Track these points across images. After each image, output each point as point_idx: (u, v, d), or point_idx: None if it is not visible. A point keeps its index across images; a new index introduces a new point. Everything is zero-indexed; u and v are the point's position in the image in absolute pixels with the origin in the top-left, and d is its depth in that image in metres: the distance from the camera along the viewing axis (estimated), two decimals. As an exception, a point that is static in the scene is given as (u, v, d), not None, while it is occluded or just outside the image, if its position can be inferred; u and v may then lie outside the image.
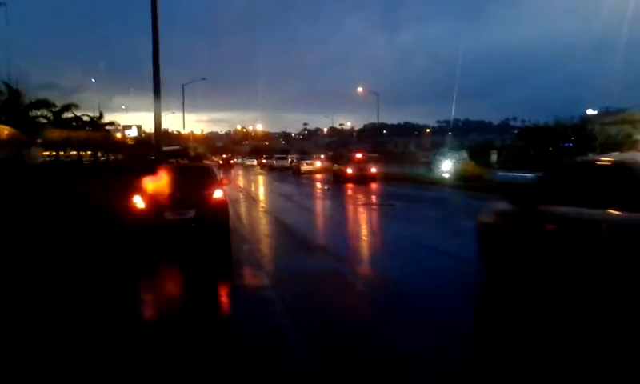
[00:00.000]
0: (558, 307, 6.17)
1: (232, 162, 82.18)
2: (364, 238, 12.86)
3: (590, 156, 9.61)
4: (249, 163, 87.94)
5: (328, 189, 29.83)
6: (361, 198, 23.37)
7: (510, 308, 6.54)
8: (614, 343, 5.04)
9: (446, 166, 34.44)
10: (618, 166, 6.11)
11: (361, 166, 34.62)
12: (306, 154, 66.42)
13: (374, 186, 30.43)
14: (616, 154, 7.54)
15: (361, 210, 19.24)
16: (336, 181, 35.17)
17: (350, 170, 33.98)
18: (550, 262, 6.39)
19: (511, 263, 7.07)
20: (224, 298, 7.97)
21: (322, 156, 59.82)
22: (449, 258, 9.66)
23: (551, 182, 7.07)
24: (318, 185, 33.70)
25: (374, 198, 23.54)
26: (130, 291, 7.87)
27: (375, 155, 49.27)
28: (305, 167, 48.02)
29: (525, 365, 4.73)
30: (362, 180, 32.56)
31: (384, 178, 34.82)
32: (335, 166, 40.26)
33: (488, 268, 7.60)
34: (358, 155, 38.27)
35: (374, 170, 34.70)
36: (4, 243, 9.77)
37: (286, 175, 45.85)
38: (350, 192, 26.65)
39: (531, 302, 6.56)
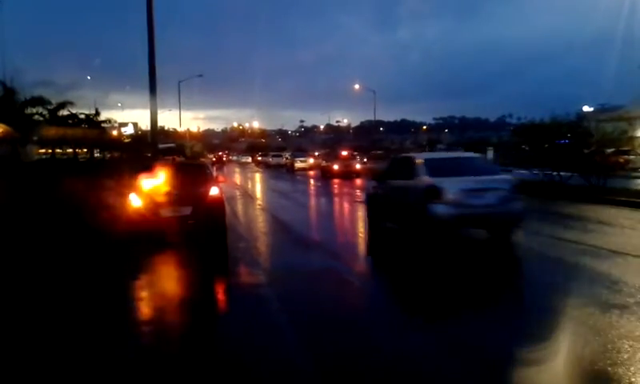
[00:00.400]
0: (393, 223, 11.85)
1: (225, 159, 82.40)
2: (340, 225, 13.02)
3: (405, 154, 14.61)
4: (244, 160, 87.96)
5: (318, 184, 31.49)
6: (344, 191, 25.63)
7: (378, 229, 12.34)
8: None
9: None
10: (407, 158, 12.02)
11: (346, 162, 37.29)
12: (302, 151, 66.41)
13: (358, 181, 31.76)
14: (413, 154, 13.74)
15: (344, 202, 20.25)
16: (323, 176, 37.40)
17: (336, 167, 36.61)
18: (388, 204, 11.98)
19: (376, 208, 12.82)
20: (220, 294, 7.97)
21: (317, 153, 59.91)
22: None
23: (389, 168, 12.83)
24: (311, 181, 34.92)
25: (356, 192, 24.55)
26: (125, 289, 7.85)
27: (380, 152, 50.58)
28: (298, 164, 49.66)
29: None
30: (347, 175, 34.76)
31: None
32: (323, 163, 42.61)
33: (369, 214, 13.39)
34: (344, 153, 41.11)
35: (358, 166, 37.35)
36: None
37: (280, 172, 46.69)
38: (335, 187, 28.50)
39: (385, 224, 12.24)
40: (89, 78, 64.88)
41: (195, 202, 10.60)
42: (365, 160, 44.89)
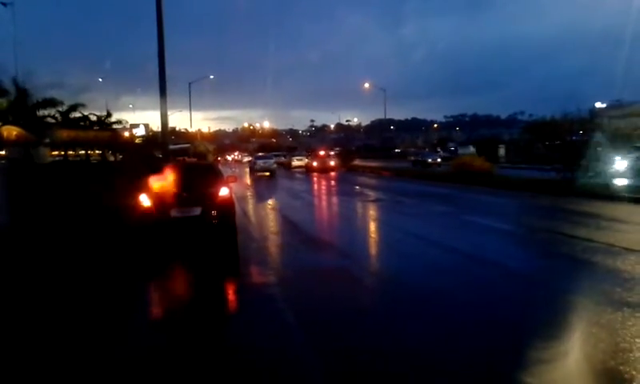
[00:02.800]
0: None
1: (234, 158, 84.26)
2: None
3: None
4: (246, 160, 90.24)
5: (303, 177, 39.36)
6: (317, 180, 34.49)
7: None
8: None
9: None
10: None
11: (323, 160, 45.96)
12: (309, 151, 69.49)
13: (332, 173, 41.40)
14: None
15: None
16: (307, 171, 46.35)
17: (315, 164, 45.89)
18: None
19: None
20: (230, 294, 7.98)
21: (304, 152, 66.03)
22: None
23: None
24: (297, 175, 42.98)
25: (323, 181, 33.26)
26: (137, 289, 7.91)
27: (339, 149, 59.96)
28: (295, 162, 55.17)
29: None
30: (323, 170, 43.73)
31: (350, 169, 47.73)
32: (306, 161, 51.49)
33: None
34: (321, 152, 49.07)
35: (332, 163, 46.35)
36: (13, 243, 9.86)
37: (279, 169, 50.07)
38: (315, 178, 37.08)
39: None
40: (100, 80, 65.21)
41: (205, 203, 10.62)
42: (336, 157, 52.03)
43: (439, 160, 48.26)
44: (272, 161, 46.98)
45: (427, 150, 72.20)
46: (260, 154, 60.86)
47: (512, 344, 5.13)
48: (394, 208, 17.75)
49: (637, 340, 4.98)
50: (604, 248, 9.34)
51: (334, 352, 5.08)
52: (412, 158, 56.20)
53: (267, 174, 42.83)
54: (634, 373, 4.29)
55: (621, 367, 4.42)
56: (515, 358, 4.64)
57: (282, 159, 63.55)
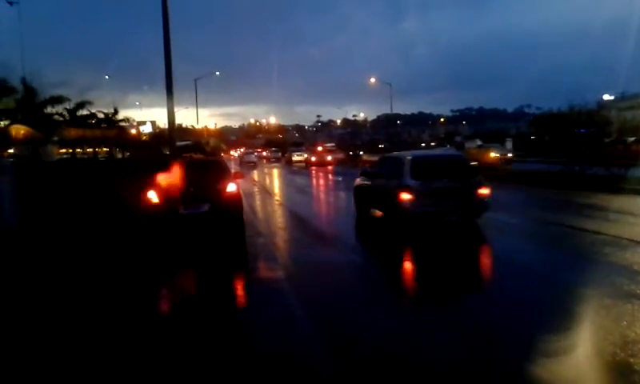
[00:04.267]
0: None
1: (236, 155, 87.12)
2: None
3: (395, 153, 14.93)
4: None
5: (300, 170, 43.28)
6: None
7: (363, 218, 13.86)
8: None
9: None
10: (395, 157, 13.11)
11: (321, 155, 49.00)
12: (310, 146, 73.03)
13: (329, 168, 43.76)
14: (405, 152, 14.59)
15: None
16: (306, 166, 48.61)
17: (313, 159, 49.03)
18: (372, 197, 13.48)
19: (361, 200, 14.19)
20: (239, 288, 8.02)
21: (303, 148, 70.02)
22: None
23: (377, 167, 13.99)
24: (294, 168, 47.94)
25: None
26: (147, 285, 7.95)
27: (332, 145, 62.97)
28: (295, 157, 58.76)
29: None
30: (321, 164, 46.40)
31: (356, 164, 46.31)
32: (306, 156, 54.23)
33: (356, 204, 14.51)
34: (319, 148, 52.10)
35: (329, 157, 48.52)
36: (21, 243, 9.93)
37: (280, 163, 55.81)
38: (313, 172, 39.74)
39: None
40: (107, 77, 65.13)
41: (213, 199, 10.67)
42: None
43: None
44: (253, 156, 64.54)
45: (434, 144, 72.14)
46: (249, 150, 78.56)
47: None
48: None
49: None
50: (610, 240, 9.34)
51: (337, 340, 5.15)
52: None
53: (252, 163, 54.93)
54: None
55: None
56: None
57: (279, 155, 73.78)
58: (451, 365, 4.64)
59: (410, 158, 11.78)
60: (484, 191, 11.31)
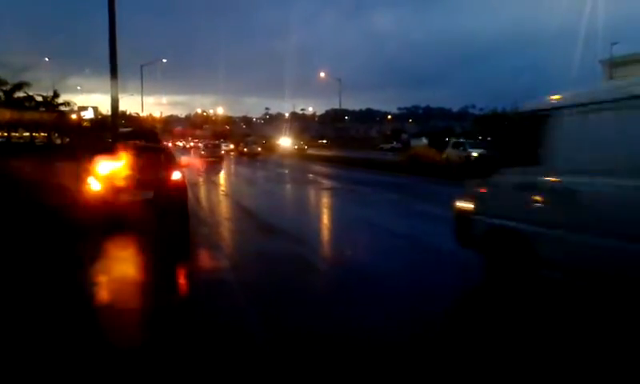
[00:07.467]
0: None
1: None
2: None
3: None
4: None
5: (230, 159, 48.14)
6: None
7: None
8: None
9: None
10: None
11: (252, 146, 58.12)
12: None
13: (259, 158, 50.87)
14: None
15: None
16: (240, 156, 55.70)
17: (245, 149, 57.51)
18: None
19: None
20: (181, 276, 7.89)
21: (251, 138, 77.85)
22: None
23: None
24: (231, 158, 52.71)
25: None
26: (83, 273, 7.68)
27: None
28: (224, 148, 64.51)
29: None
30: (252, 155, 53.32)
31: (303, 157, 51.91)
32: (239, 147, 63.83)
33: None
34: (250, 138, 70.35)
35: (259, 149, 58.07)
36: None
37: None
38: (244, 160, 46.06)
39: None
40: (47, 59, 62.50)
41: (157, 186, 10.44)
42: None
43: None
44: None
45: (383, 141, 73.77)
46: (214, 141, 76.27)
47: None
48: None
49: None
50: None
51: (278, 321, 5.16)
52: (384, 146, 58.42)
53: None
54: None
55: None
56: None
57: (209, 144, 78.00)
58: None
59: None
60: None
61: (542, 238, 5.76)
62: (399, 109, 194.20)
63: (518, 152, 6.48)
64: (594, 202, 5.30)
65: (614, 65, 42.08)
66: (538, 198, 5.83)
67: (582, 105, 5.55)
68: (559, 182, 5.62)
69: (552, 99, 5.98)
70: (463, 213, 7.08)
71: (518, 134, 6.92)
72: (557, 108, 5.82)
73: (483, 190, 6.77)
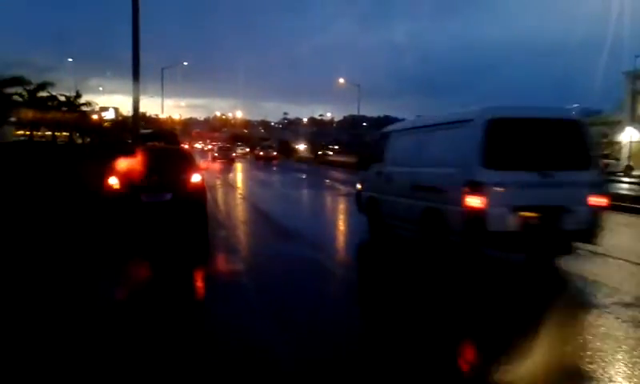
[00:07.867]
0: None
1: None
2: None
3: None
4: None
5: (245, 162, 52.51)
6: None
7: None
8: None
9: None
10: None
11: (268, 150, 63.39)
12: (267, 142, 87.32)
13: (274, 162, 56.31)
14: None
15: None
16: (255, 160, 60.03)
17: (261, 153, 62.46)
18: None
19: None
20: (199, 280, 7.89)
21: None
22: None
23: None
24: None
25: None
26: (104, 274, 7.73)
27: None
28: (238, 151, 70.70)
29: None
30: (267, 159, 57.67)
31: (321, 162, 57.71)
32: (255, 151, 69.07)
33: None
34: (266, 143, 74.87)
35: (274, 153, 63.69)
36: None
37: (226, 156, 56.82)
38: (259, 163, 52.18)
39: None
40: (70, 60, 63.40)
41: (176, 188, 10.47)
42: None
43: None
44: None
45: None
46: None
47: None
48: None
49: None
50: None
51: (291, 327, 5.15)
52: None
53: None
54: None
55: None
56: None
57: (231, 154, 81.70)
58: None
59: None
60: None
61: (382, 200, 10.26)
62: (417, 116, 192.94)
63: (377, 155, 10.76)
64: (396, 179, 9.73)
65: (637, 77, 41.74)
66: (381, 179, 10.33)
67: (397, 131, 10.59)
68: (387, 169, 10.17)
69: (389, 127, 11.36)
70: (358, 191, 11.81)
71: (377, 145, 11.33)
72: (389, 132, 10.82)
73: (364, 176, 11.48)
